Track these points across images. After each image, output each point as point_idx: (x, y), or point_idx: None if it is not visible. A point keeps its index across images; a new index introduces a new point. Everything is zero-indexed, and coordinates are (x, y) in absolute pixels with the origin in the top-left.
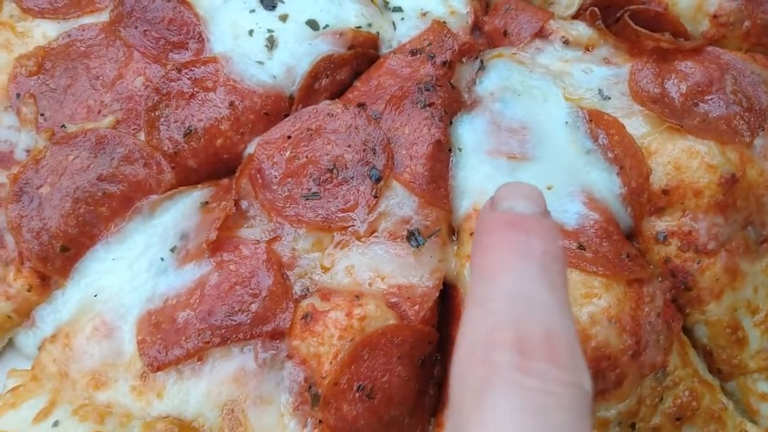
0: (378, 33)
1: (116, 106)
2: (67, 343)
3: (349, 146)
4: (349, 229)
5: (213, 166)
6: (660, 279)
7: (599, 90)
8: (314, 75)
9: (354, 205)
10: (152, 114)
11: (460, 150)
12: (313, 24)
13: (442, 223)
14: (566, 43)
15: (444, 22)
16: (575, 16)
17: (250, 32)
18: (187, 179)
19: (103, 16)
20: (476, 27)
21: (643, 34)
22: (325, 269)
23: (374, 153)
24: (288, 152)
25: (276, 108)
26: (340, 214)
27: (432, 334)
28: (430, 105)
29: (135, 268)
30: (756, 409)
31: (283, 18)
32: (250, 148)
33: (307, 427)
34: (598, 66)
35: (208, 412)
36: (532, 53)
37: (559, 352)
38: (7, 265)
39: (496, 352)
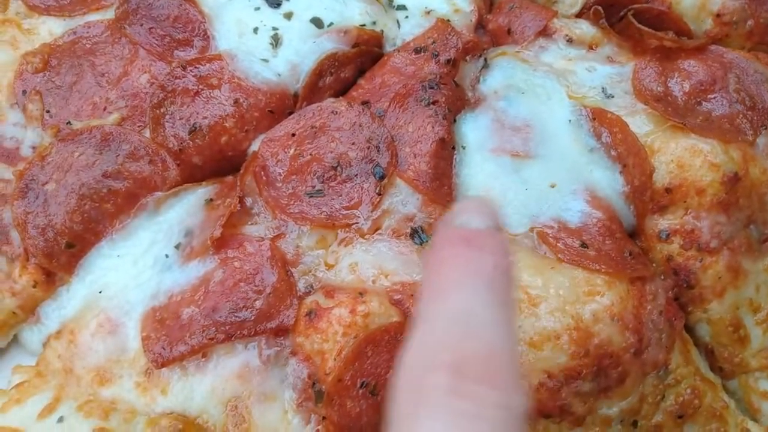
0: (382, 31)
1: (121, 103)
2: (72, 340)
3: (353, 144)
4: (353, 226)
5: (217, 163)
6: (662, 277)
7: (602, 88)
8: (318, 73)
9: (358, 203)
10: (157, 111)
11: (463, 148)
12: (317, 22)
13: None
14: (570, 41)
15: (448, 21)
16: (579, 15)
17: (255, 30)
18: (192, 176)
19: (109, 14)
20: (480, 25)
21: (646, 33)
22: (329, 266)
23: (378, 151)
24: (292, 150)
25: (280, 106)
26: (344, 212)
27: None
28: (434, 103)
29: (140, 265)
30: (757, 408)
31: (288, 16)
32: (255, 146)
33: (310, 424)
34: (602, 64)
35: (212, 408)
36: (535, 51)
37: (496, 373)
38: (13, 262)
39: (431, 375)
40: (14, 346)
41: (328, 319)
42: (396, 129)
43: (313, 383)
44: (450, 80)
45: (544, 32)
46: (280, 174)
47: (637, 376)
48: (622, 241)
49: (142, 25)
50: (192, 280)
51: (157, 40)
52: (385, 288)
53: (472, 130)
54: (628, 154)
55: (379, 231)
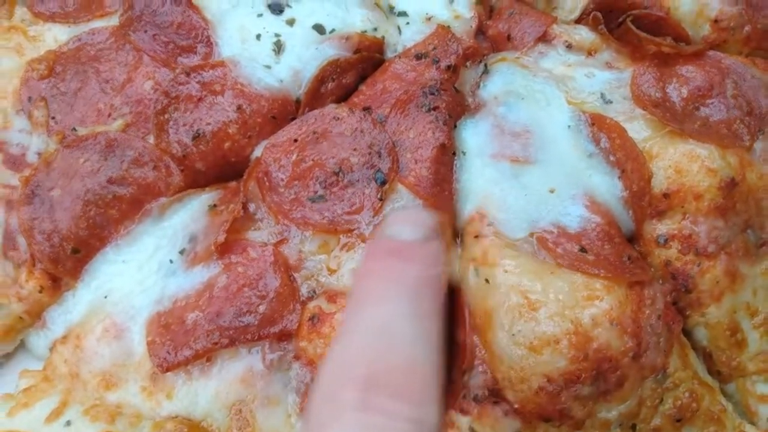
0: (383, 37)
1: (126, 110)
2: (78, 344)
3: (354, 149)
4: (355, 231)
5: (220, 168)
6: (661, 282)
7: (601, 94)
8: (320, 79)
9: (360, 208)
10: (161, 117)
11: (464, 153)
12: (319, 28)
13: (446, 226)
14: (569, 47)
15: (448, 27)
16: (578, 21)
17: (258, 36)
18: (195, 182)
19: (113, 21)
20: (480, 31)
21: (644, 39)
22: (332, 271)
23: (380, 156)
24: (294, 155)
25: (283, 111)
26: (346, 217)
27: None
28: (434, 109)
29: (144, 270)
30: (755, 411)
31: (290, 22)
32: (258, 151)
33: None
34: (601, 70)
35: (216, 412)
36: (535, 57)
37: (410, 387)
38: (19, 267)
39: (344, 389)
40: (21, 351)
41: (331, 323)
42: (397, 135)
43: None
44: (450, 86)
45: (544, 38)
46: (282, 179)
47: (636, 379)
48: (621, 245)
49: (146, 31)
50: (196, 285)
51: (160, 46)
52: None
53: (473, 135)
54: (626, 160)
55: None
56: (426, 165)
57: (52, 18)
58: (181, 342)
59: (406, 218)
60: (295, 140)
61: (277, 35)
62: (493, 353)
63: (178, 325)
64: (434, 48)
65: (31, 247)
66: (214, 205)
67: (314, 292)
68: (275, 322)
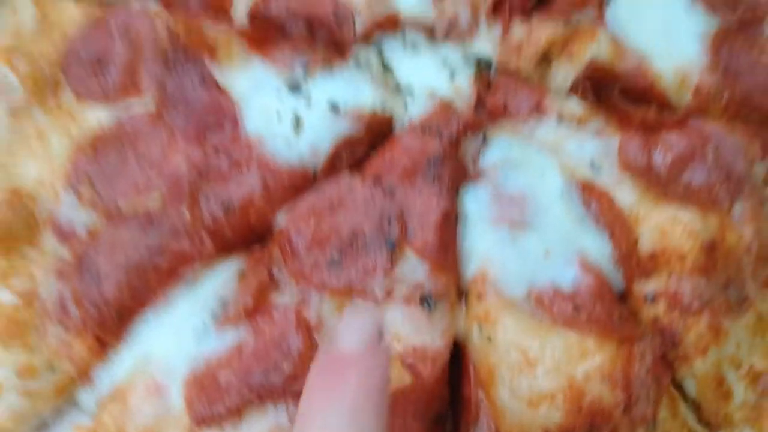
0: (392, 114)
1: (162, 185)
2: (123, 402)
3: (367, 218)
4: (369, 294)
5: (245, 235)
6: (650, 337)
7: (591, 161)
8: (335, 155)
9: (372, 272)
10: (194, 192)
11: (466, 218)
12: (334, 106)
13: (451, 287)
14: (561, 117)
15: (450, 101)
16: (571, 88)
17: (279, 114)
18: (223, 248)
19: (147, 98)
20: (479, 103)
21: (630, 109)
22: None
23: (389, 224)
24: (313, 223)
25: (302, 183)
26: (360, 281)
27: (445, 392)
28: (438, 178)
29: (181, 333)
30: None
31: (307, 101)
32: (280, 218)
33: None
34: (590, 139)
35: None
36: (530, 127)
37: None
38: (70, 331)
39: None
40: (73, 407)
41: None
42: (405, 202)
43: None
44: (453, 156)
45: (538, 109)
46: (302, 246)
47: (627, 430)
48: (612, 304)
49: (178, 112)
50: (228, 345)
51: (192, 125)
52: (398, 352)
53: (474, 201)
54: (614, 225)
55: (392, 298)
56: (431, 230)
57: (93, 99)
58: (215, 398)
59: (348, 325)
60: (313, 209)
61: (295, 113)
62: (497, 407)
63: (211, 383)
64: (437, 122)
65: (81, 314)
66: (242, 271)
67: None
68: (298, 380)
